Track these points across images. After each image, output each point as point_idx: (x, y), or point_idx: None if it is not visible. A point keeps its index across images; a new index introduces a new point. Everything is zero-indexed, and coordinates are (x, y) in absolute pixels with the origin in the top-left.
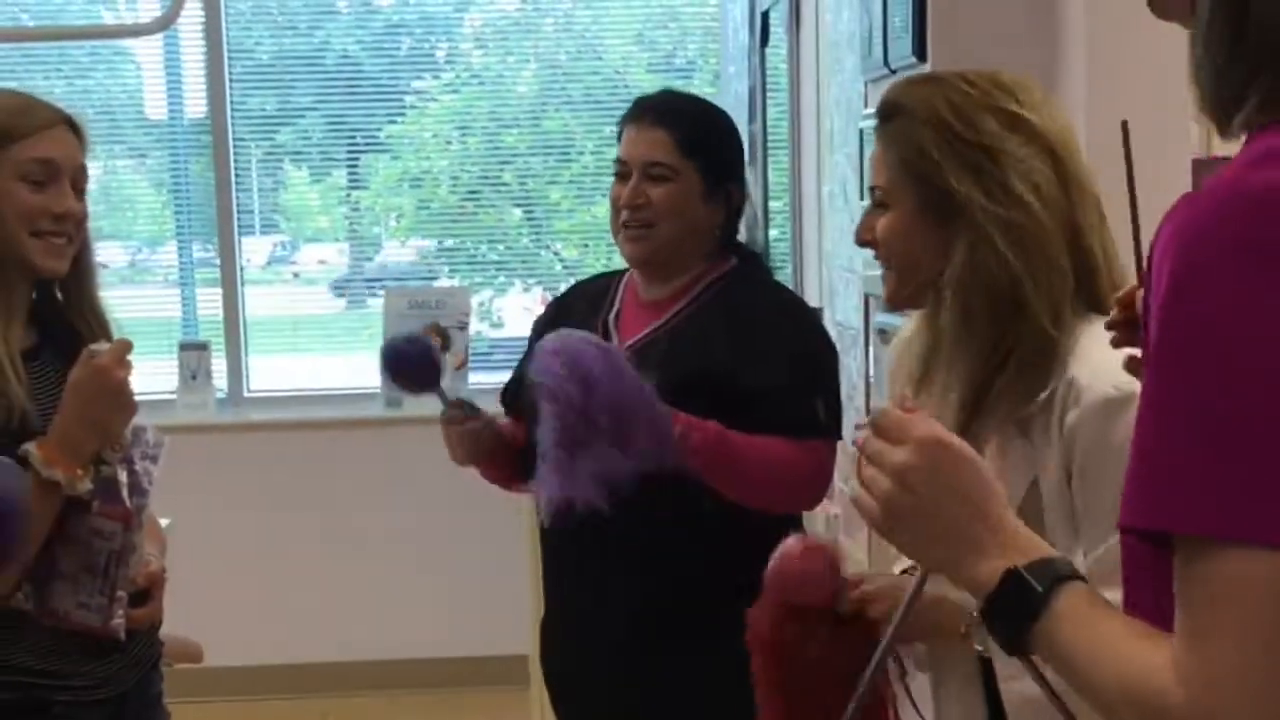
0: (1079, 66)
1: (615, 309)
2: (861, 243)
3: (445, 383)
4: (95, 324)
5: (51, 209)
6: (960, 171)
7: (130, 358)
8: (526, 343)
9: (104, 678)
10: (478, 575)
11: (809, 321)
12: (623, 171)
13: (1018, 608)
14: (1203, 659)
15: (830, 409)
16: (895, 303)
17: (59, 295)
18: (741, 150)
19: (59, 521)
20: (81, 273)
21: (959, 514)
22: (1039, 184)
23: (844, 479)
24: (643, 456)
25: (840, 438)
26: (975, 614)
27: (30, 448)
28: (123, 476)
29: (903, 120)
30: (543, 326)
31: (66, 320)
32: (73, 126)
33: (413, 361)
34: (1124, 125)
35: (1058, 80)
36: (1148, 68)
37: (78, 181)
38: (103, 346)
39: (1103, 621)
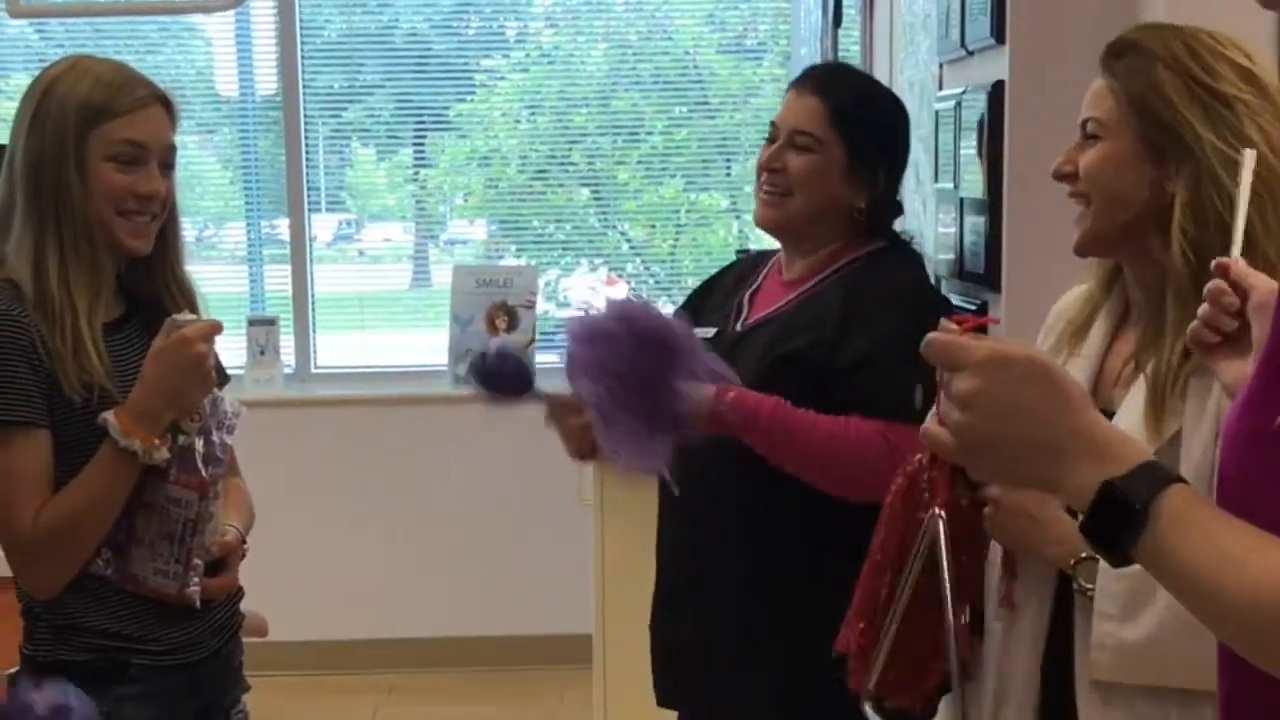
0: None
1: (756, 284)
2: (1060, 175)
3: (541, 385)
4: (181, 296)
5: (137, 189)
6: (1194, 110)
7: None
8: (683, 305)
9: (181, 643)
10: (542, 554)
11: (924, 305)
12: (772, 135)
13: (1118, 521)
14: None
15: (930, 397)
16: (1087, 245)
17: (145, 268)
18: (901, 139)
19: (138, 488)
20: (166, 246)
21: (1033, 432)
22: (1270, 134)
23: None
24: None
25: None
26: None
27: (109, 416)
28: (199, 446)
29: (1137, 58)
30: (697, 292)
31: (153, 292)
32: (166, 104)
33: (508, 378)
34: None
35: None
36: None
37: (166, 160)
38: (187, 317)
39: (1215, 522)
